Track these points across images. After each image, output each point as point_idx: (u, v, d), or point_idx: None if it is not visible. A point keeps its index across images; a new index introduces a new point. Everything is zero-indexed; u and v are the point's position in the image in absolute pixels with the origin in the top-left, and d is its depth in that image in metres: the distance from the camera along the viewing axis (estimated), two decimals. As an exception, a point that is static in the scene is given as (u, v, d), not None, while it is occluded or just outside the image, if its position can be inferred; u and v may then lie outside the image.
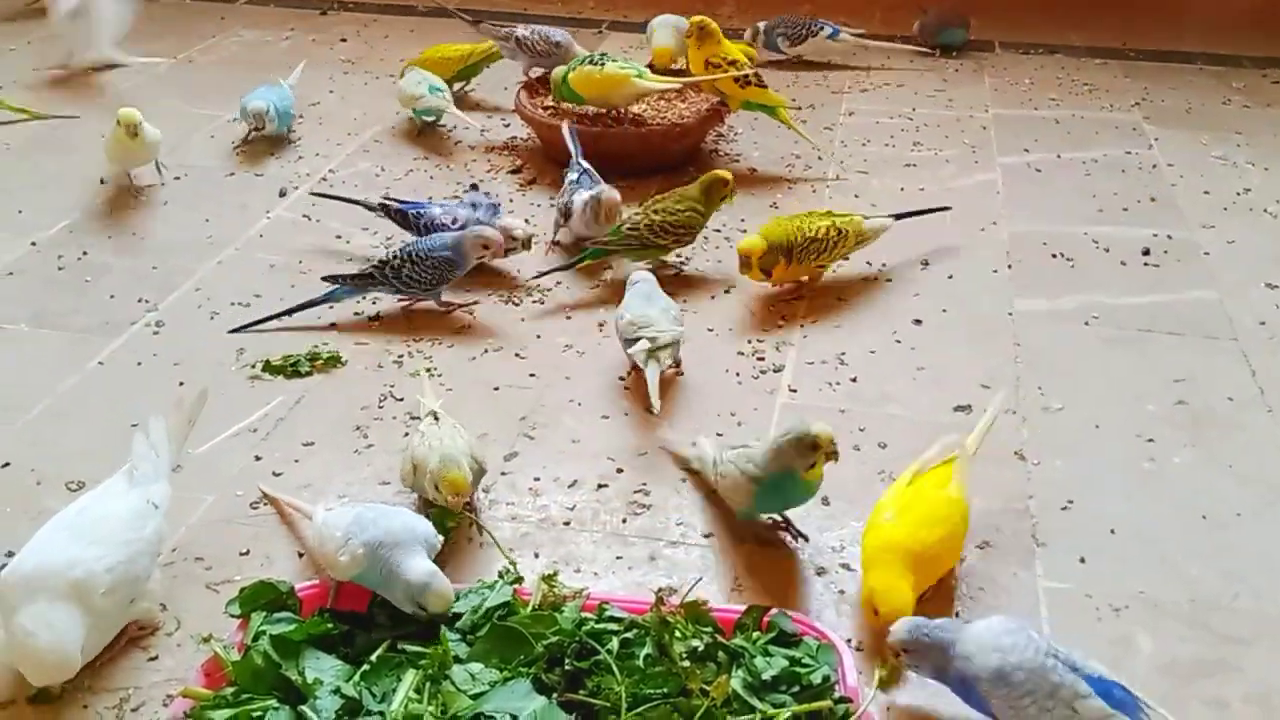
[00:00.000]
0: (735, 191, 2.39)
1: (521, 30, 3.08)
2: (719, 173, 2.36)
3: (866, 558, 1.53)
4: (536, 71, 3.06)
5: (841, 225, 2.27)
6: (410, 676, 1.31)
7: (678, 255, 2.42)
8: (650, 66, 2.92)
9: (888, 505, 1.58)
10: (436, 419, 1.75)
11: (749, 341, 2.16)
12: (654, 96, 2.89)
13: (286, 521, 1.71)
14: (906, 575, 1.48)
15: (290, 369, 2.05)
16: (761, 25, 3.51)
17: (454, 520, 1.64)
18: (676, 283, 2.33)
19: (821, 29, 3.52)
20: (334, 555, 1.46)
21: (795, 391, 2.02)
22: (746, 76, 2.77)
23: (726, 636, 1.41)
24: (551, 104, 2.88)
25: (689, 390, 2.01)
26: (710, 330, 2.20)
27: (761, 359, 2.10)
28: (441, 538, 1.53)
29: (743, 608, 1.45)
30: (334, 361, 2.07)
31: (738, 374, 2.07)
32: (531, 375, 2.06)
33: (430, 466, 1.63)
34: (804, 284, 2.33)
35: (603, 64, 2.73)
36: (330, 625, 1.41)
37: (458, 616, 1.42)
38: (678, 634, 1.36)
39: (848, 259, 2.36)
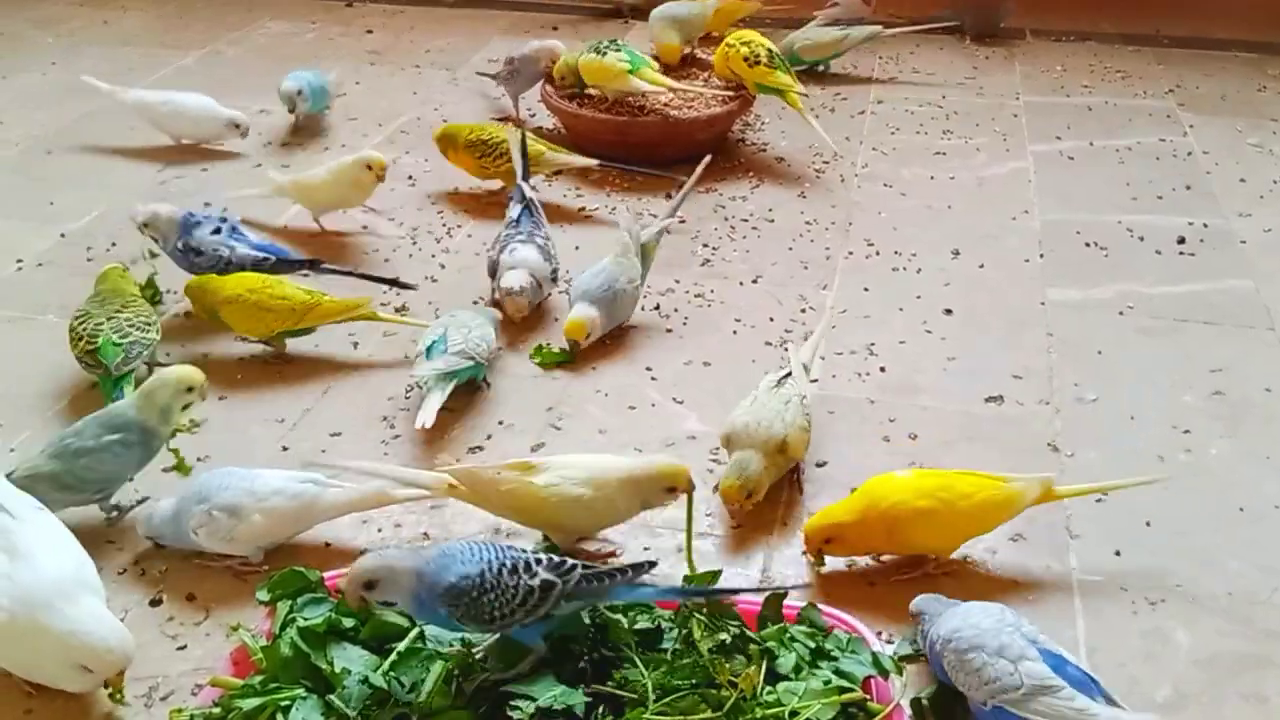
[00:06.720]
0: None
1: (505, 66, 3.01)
2: None
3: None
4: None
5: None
6: (438, 667, 1.31)
7: (705, 245, 2.41)
8: (657, 60, 2.91)
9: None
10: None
11: (776, 332, 2.14)
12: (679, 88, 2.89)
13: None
14: (849, 506, 1.55)
15: None
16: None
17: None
18: (705, 274, 2.32)
19: None
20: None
21: (817, 382, 1.99)
22: (749, 58, 2.73)
23: (751, 629, 1.39)
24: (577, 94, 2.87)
25: (715, 382, 2.00)
26: (737, 320, 2.18)
27: (789, 349, 2.08)
28: None
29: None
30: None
31: (765, 366, 2.05)
32: (558, 365, 2.05)
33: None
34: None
35: (605, 53, 2.72)
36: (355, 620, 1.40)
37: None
38: (704, 625, 1.35)
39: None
